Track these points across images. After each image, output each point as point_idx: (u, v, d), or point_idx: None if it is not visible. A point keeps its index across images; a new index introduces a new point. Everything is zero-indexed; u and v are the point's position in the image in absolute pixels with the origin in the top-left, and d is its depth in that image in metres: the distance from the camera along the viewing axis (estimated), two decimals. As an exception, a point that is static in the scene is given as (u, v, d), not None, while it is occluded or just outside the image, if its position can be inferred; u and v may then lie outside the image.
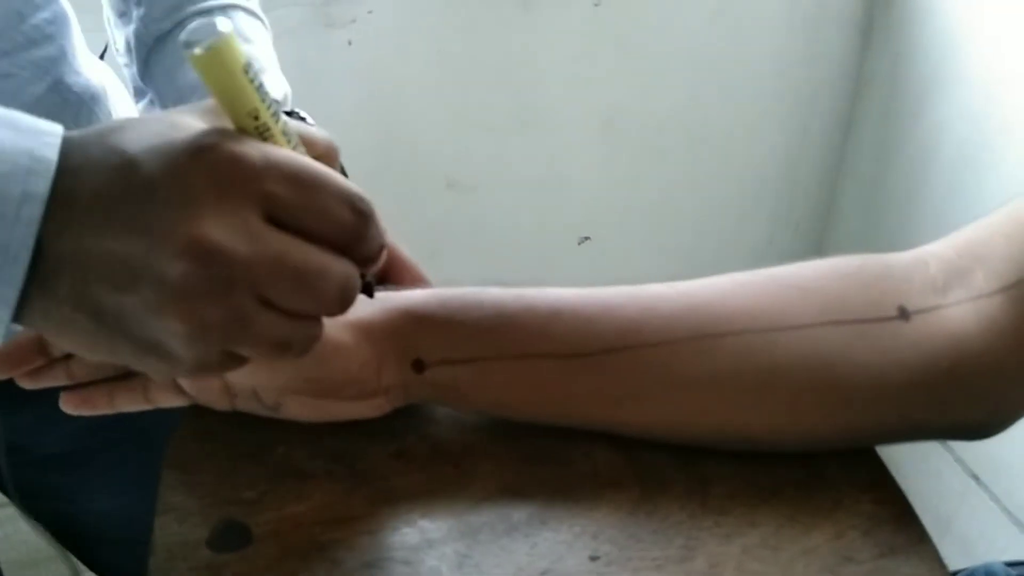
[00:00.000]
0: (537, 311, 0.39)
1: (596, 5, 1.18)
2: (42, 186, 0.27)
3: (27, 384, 0.39)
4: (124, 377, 0.40)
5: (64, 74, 0.51)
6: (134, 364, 0.30)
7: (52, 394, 0.39)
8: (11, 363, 0.38)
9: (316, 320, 0.32)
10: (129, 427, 0.48)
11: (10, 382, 0.39)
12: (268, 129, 0.30)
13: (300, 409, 0.40)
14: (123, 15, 0.58)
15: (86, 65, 0.53)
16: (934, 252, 0.41)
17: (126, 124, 0.29)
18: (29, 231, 0.26)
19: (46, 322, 0.29)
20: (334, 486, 0.39)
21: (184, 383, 0.40)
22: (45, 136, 0.28)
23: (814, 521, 0.38)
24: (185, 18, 0.55)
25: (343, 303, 0.31)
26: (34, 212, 0.27)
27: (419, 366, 0.39)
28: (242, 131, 0.30)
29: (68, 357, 0.39)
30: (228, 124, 0.30)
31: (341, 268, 0.31)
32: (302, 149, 0.32)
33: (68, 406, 0.40)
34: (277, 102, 0.49)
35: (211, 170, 0.28)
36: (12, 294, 0.27)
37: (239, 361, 0.31)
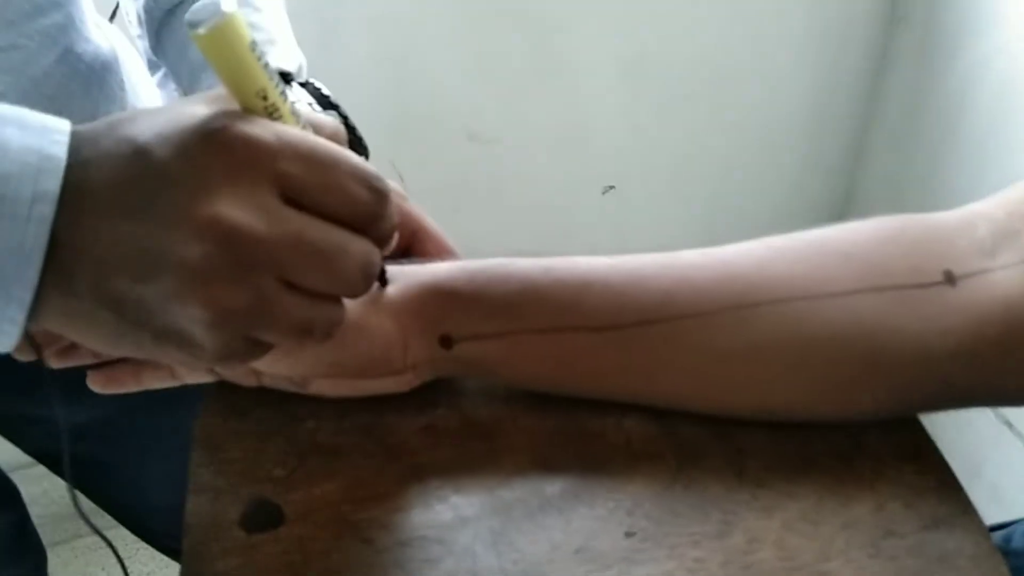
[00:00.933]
0: (567, 283, 0.38)
1: (618, -55, 1.14)
2: (53, 184, 0.26)
3: (55, 363, 0.39)
4: None
5: (74, 42, 0.49)
6: (158, 356, 0.30)
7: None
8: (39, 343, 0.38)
9: (337, 302, 0.32)
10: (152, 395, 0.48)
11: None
12: (277, 109, 0.29)
13: (327, 386, 0.40)
14: None
15: (96, 31, 0.52)
16: (982, 212, 0.39)
17: (135, 115, 0.28)
18: (42, 230, 0.26)
19: (67, 320, 0.28)
20: (364, 462, 0.39)
21: None
22: (53, 133, 0.27)
23: (854, 493, 0.37)
24: None
25: (366, 281, 0.31)
26: (46, 211, 0.26)
27: (447, 342, 0.39)
28: (251, 111, 0.29)
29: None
30: (237, 108, 0.29)
31: (360, 246, 0.30)
32: (309, 131, 0.31)
33: (96, 384, 0.40)
34: (288, 74, 0.47)
35: (224, 151, 0.27)
36: (27, 295, 0.27)
37: (263, 348, 0.30)
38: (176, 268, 0.27)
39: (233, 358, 0.30)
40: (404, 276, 0.39)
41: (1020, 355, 0.37)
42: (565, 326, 0.38)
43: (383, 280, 0.38)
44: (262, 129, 0.28)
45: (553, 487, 0.38)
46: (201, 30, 0.26)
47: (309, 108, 0.31)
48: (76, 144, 0.27)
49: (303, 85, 0.47)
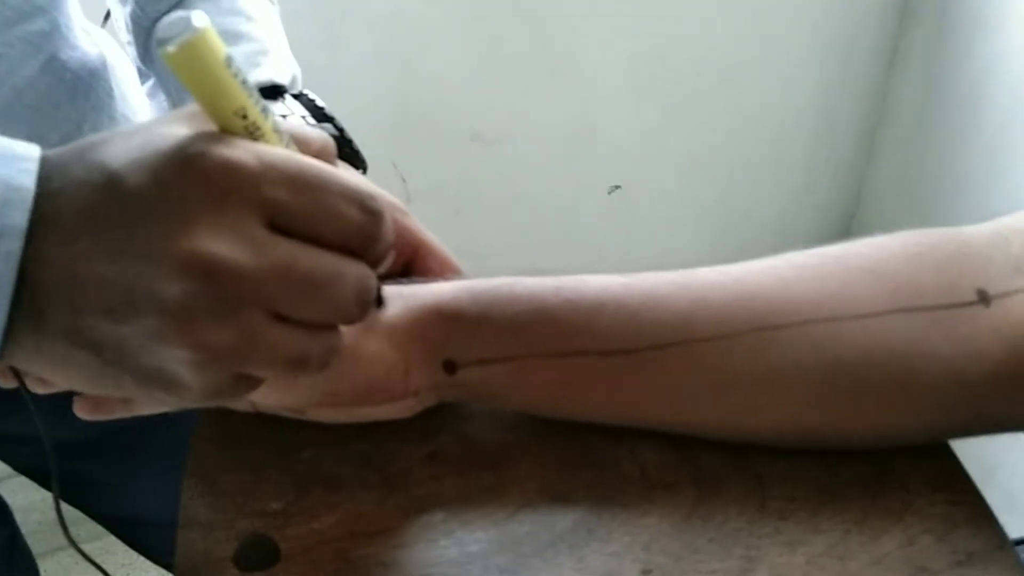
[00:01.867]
0: (578, 305, 0.36)
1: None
2: (19, 218, 0.24)
3: (39, 390, 0.37)
4: None
5: (59, 49, 0.47)
6: (141, 397, 0.28)
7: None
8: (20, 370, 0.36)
9: (333, 330, 0.30)
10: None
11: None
12: (259, 128, 0.27)
13: (325, 412, 0.38)
14: None
15: (84, 37, 0.50)
16: (1016, 227, 0.37)
17: (107, 138, 0.26)
18: (8, 266, 0.24)
19: (41, 359, 0.27)
20: (365, 494, 0.37)
21: None
22: (21, 162, 0.25)
23: (883, 525, 0.35)
24: None
25: (362, 307, 0.29)
26: (12, 246, 0.24)
27: (451, 367, 0.36)
28: (231, 132, 0.27)
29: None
30: (216, 129, 0.27)
31: (355, 271, 0.28)
32: (294, 148, 0.29)
33: (83, 412, 0.38)
34: (281, 86, 0.45)
35: (203, 179, 0.25)
36: None
37: (253, 383, 0.28)
38: (156, 307, 0.25)
39: (222, 396, 0.28)
40: (405, 297, 0.37)
41: (1060, 380, 0.35)
42: (576, 350, 0.36)
43: (379, 301, 0.36)
44: (243, 152, 0.26)
45: (564, 521, 0.36)
46: (171, 47, 0.24)
47: (302, 121, 0.29)
48: (46, 172, 0.25)
49: (297, 97, 0.45)
